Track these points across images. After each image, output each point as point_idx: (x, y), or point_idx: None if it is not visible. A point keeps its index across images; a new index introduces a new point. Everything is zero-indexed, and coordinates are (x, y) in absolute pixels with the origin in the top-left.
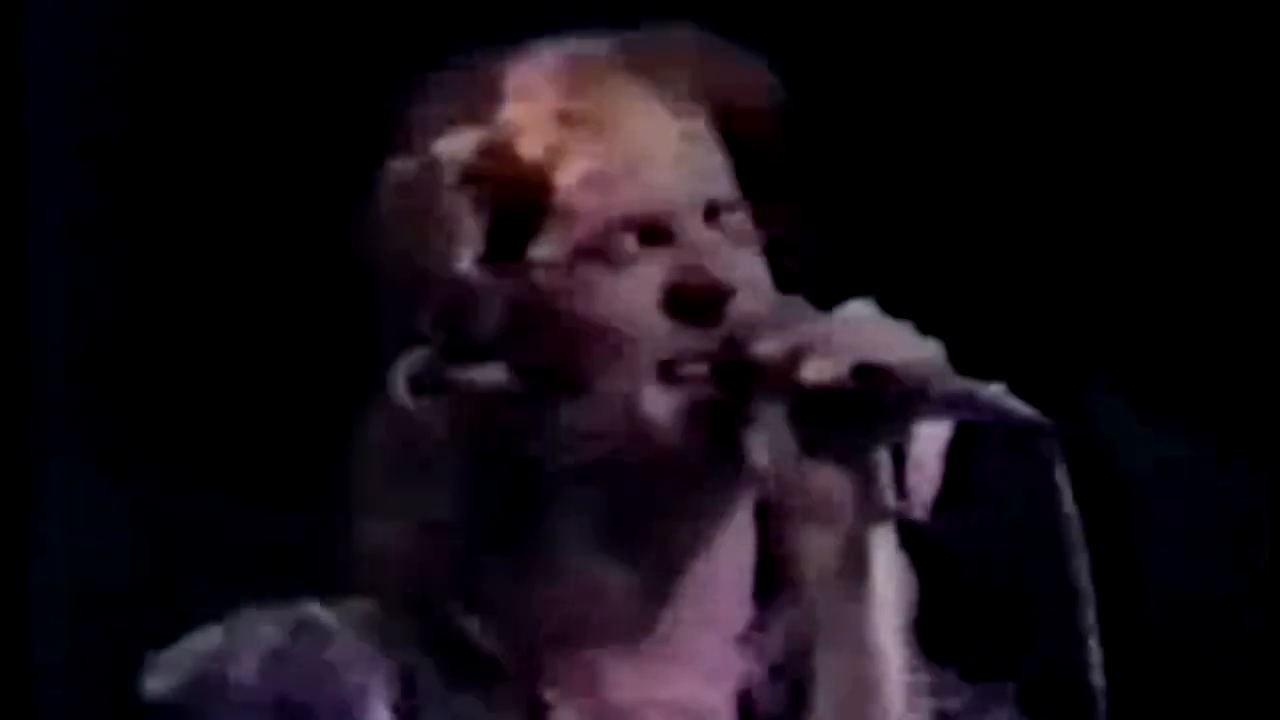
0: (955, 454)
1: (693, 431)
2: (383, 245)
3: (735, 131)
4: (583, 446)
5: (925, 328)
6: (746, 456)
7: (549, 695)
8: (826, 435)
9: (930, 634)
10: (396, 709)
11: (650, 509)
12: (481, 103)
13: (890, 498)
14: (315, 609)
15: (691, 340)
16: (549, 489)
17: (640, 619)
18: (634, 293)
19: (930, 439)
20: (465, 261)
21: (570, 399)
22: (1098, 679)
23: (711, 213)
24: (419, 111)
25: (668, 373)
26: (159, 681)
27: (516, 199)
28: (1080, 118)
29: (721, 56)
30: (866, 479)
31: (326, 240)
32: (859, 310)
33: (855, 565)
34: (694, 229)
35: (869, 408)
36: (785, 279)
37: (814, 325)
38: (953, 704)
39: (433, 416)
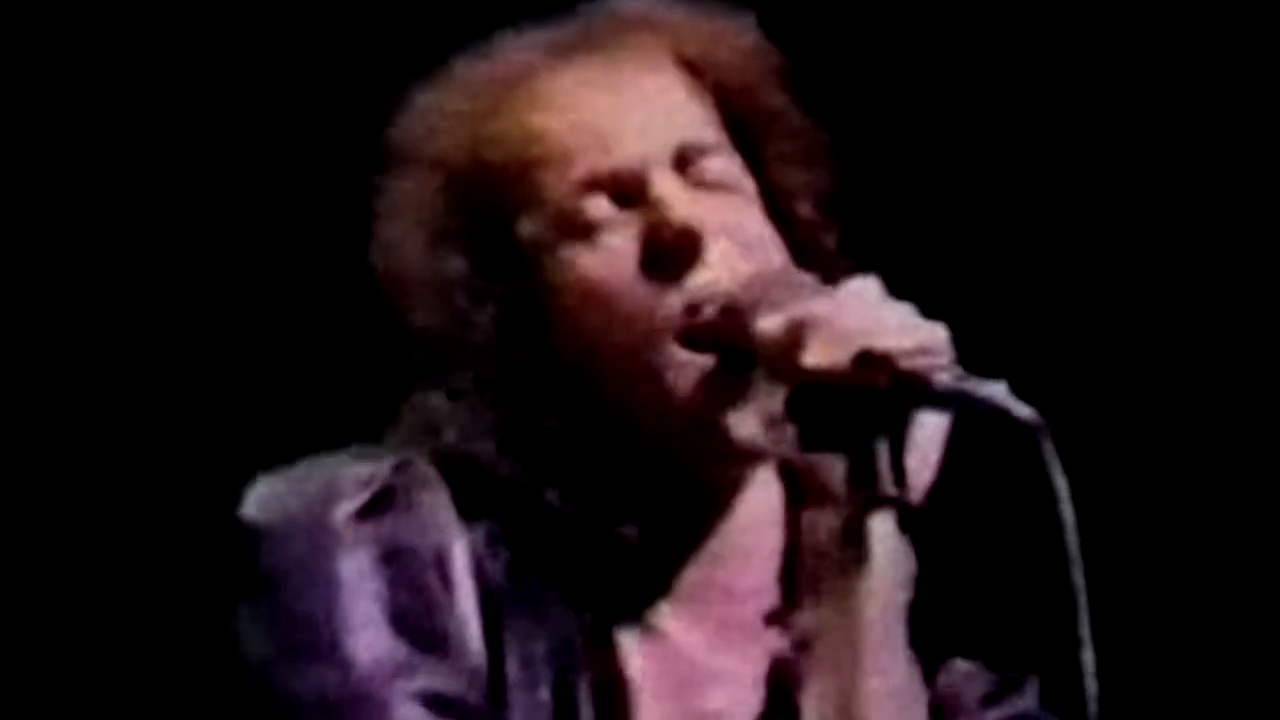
0: (952, 449)
1: (713, 391)
2: (381, 253)
3: (730, 94)
4: (606, 417)
5: (928, 310)
6: (731, 431)
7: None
8: (825, 422)
9: (927, 626)
10: (477, 570)
11: (679, 475)
12: (460, 105)
13: (889, 483)
14: (415, 456)
15: (681, 294)
16: (579, 458)
17: (677, 583)
18: (613, 262)
19: (930, 426)
20: (456, 261)
21: (582, 376)
22: (1090, 679)
23: (682, 159)
24: (402, 122)
25: (679, 335)
26: (261, 509)
27: (498, 196)
28: (1090, 105)
29: (700, 19)
30: (864, 465)
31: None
32: (863, 289)
33: (853, 550)
34: (661, 181)
35: (868, 397)
36: (794, 249)
37: (817, 304)
38: (972, 692)
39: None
